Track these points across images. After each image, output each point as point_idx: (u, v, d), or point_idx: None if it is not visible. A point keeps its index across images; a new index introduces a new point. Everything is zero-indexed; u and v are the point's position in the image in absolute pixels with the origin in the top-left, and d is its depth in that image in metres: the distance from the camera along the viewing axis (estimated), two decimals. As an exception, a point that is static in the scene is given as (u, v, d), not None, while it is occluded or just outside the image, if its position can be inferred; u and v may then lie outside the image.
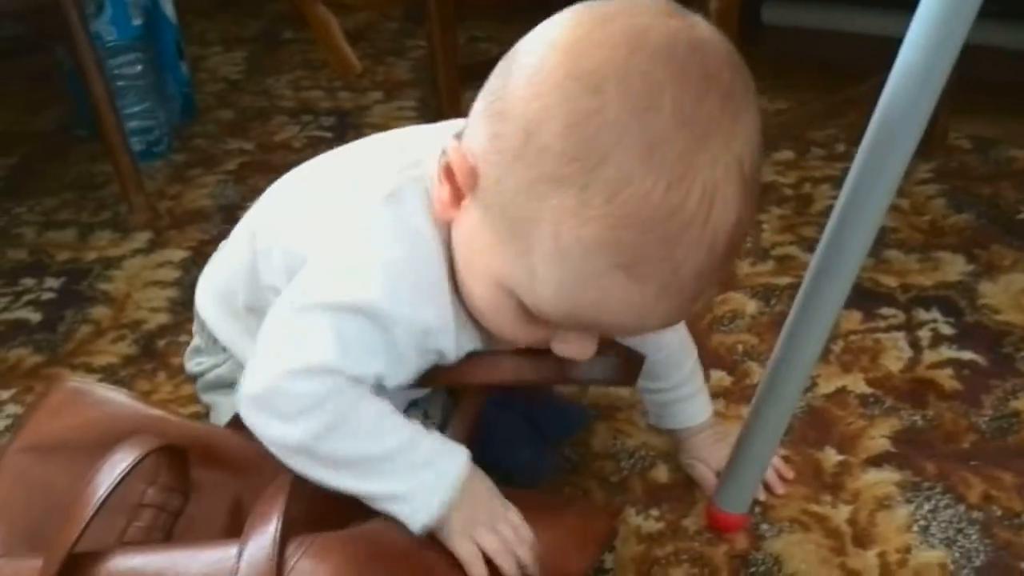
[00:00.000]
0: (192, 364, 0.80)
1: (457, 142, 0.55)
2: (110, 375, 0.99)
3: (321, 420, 0.55)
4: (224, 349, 0.75)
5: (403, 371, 0.60)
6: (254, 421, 0.58)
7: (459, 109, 1.40)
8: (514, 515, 0.59)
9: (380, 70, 1.93)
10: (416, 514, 0.56)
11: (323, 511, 0.56)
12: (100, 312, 1.11)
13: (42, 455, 0.63)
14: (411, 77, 1.87)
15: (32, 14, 1.15)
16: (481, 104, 0.54)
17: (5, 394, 0.97)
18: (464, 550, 0.57)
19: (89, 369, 1.01)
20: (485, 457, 0.75)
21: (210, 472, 0.66)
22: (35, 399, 0.69)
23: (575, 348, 0.57)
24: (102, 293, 1.15)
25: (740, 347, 0.97)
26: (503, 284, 0.54)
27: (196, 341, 0.79)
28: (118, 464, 0.59)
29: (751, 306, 1.04)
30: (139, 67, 1.46)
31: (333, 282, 0.57)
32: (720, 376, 0.92)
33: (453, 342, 0.60)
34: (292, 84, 1.87)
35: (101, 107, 1.22)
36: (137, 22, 1.45)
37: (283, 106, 1.75)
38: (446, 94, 1.38)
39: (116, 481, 0.58)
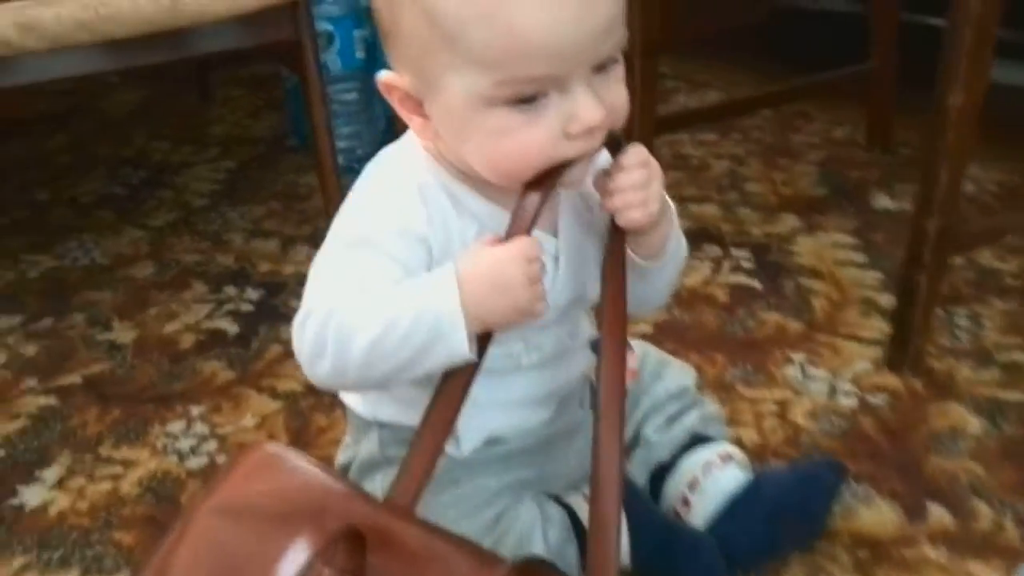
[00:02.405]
0: (339, 461, 0.72)
1: (382, 80, 0.58)
2: (291, 403, 0.92)
3: (332, 344, 0.55)
4: (367, 424, 0.68)
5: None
6: (307, 373, 0.59)
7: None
8: (520, 248, 0.54)
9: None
10: (454, 339, 0.54)
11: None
12: (290, 332, 1.04)
13: (232, 518, 0.57)
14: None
15: (273, 47, 1.15)
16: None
17: (195, 410, 0.91)
18: (525, 310, 0.55)
19: (273, 394, 0.94)
20: (655, 559, 0.64)
21: (383, 558, 0.57)
22: (231, 458, 0.65)
23: (587, 114, 0.53)
24: (296, 311, 1.09)
25: (963, 477, 0.78)
26: (479, 97, 0.53)
27: (345, 439, 0.72)
28: (304, 549, 0.54)
29: (974, 424, 0.85)
30: (354, 95, 1.42)
31: (335, 230, 0.59)
32: (940, 514, 0.74)
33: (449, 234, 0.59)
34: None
35: (319, 133, 1.17)
36: (360, 55, 1.41)
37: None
38: (639, 140, 1.25)
39: (303, 568, 0.53)
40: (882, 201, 1.32)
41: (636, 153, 0.59)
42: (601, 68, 0.54)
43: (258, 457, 0.61)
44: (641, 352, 0.78)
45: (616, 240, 0.60)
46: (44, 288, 1.15)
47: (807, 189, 1.36)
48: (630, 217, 0.58)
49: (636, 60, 1.14)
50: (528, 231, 0.55)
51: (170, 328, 1.06)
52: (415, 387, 0.61)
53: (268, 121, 1.71)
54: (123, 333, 1.05)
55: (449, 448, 0.63)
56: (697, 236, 1.19)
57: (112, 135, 1.66)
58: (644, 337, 0.95)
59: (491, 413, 0.65)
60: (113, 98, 1.83)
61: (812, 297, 1.08)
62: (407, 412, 0.61)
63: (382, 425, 0.67)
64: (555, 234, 0.62)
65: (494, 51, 0.51)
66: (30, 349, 1.03)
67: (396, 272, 0.57)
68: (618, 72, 0.56)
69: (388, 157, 0.63)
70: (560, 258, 0.62)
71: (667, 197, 0.62)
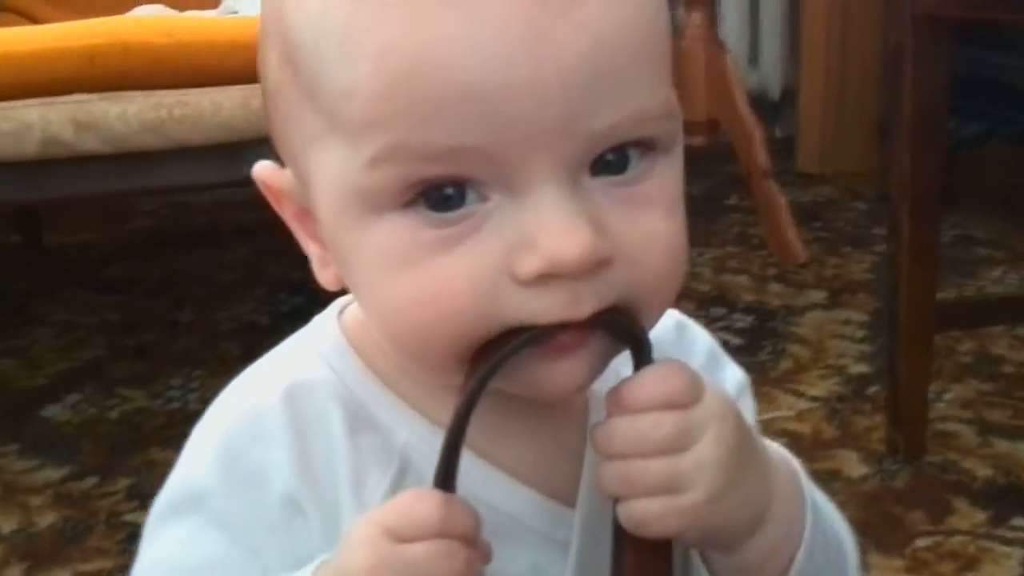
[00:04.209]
0: None
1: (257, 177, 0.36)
2: None
3: None
4: None
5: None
6: None
7: (925, 361, 0.84)
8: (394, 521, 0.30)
9: (830, 262, 1.41)
10: None
11: None
12: None
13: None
14: (870, 279, 1.32)
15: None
16: None
17: None
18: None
19: None
20: None
21: None
22: None
23: (550, 238, 0.29)
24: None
25: None
26: (353, 192, 0.31)
27: None
28: None
29: None
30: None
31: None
32: None
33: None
34: (715, 262, 1.42)
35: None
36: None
37: (696, 288, 1.31)
38: (906, 334, 0.83)
39: None
40: None
41: (660, 375, 0.32)
42: (610, 165, 0.30)
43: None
44: None
45: (625, 553, 0.32)
46: (114, 434, 0.97)
47: None
48: (639, 514, 0.31)
49: (904, 219, 0.77)
50: (446, 480, 0.31)
51: (209, 520, 0.81)
52: None
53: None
54: (154, 517, 0.82)
55: None
56: (1008, 500, 0.77)
57: (293, 254, 1.52)
58: None
59: None
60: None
61: None
62: None
63: None
64: (573, 503, 0.36)
65: (363, 94, 0.29)
66: (48, 517, 0.82)
67: (241, 569, 0.34)
68: (660, 183, 0.31)
69: (283, 345, 0.39)
70: (576, 552, 0.35)
71: (790, 463, 0.35)
